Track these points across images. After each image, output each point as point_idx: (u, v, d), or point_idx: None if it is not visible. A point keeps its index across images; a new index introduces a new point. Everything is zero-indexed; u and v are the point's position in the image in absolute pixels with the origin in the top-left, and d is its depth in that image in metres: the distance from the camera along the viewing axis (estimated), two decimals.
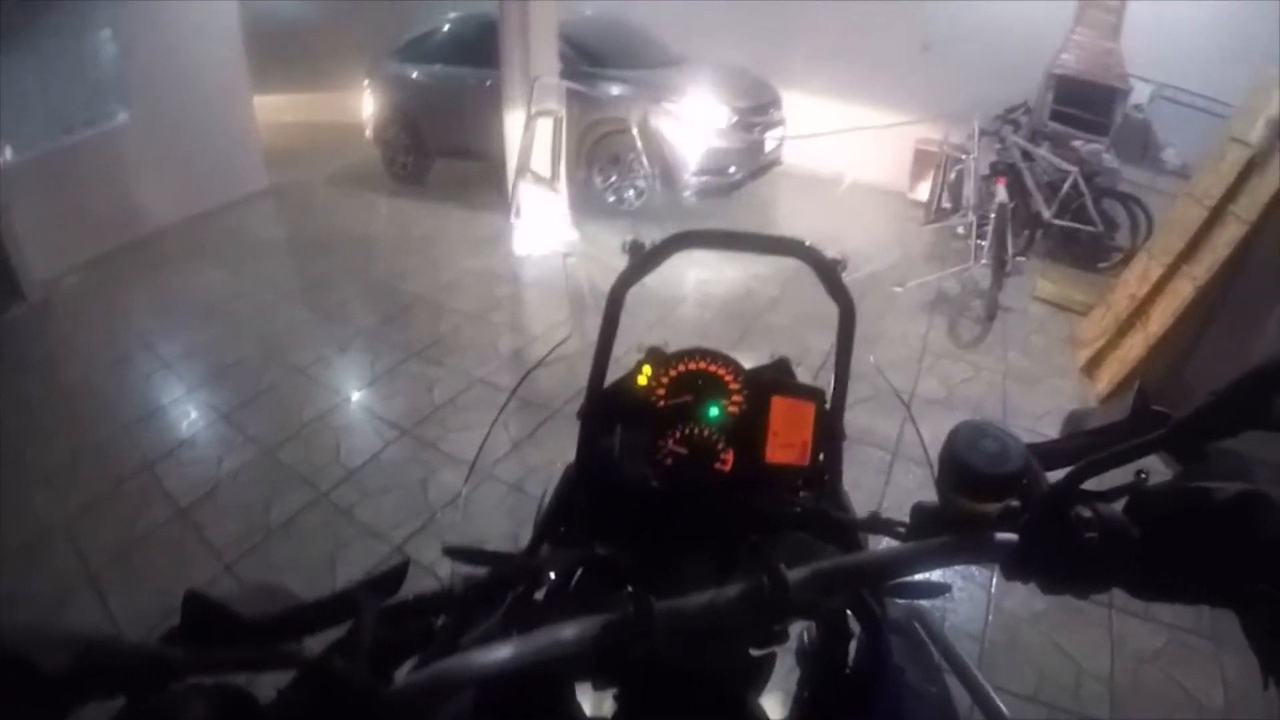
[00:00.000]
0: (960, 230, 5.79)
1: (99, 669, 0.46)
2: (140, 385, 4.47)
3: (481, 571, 0.79)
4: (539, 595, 0.89)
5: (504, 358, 4.65)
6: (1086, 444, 0.66)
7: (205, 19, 7.18)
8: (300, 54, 10.08)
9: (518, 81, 5.85)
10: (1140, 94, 6.66)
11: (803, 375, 1.12)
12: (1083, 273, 6.02)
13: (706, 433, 1.03)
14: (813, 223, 7.15)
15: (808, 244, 1.02)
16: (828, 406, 1.06)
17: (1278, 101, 3.81)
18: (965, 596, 2.88)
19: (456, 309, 5.27)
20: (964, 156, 5.90)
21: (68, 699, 0.45)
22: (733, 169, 6.78)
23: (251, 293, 5.66)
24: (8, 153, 5.58)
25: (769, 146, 7.19)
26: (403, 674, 0.60)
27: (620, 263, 1.04)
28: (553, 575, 0.90)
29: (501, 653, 0.59)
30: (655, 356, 1.07)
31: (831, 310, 1.06)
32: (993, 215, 5.12)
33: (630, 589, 0.72)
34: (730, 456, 1.03)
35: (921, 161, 7.57)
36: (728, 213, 7.01)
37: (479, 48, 6.96)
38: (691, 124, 6.53)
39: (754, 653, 0.88)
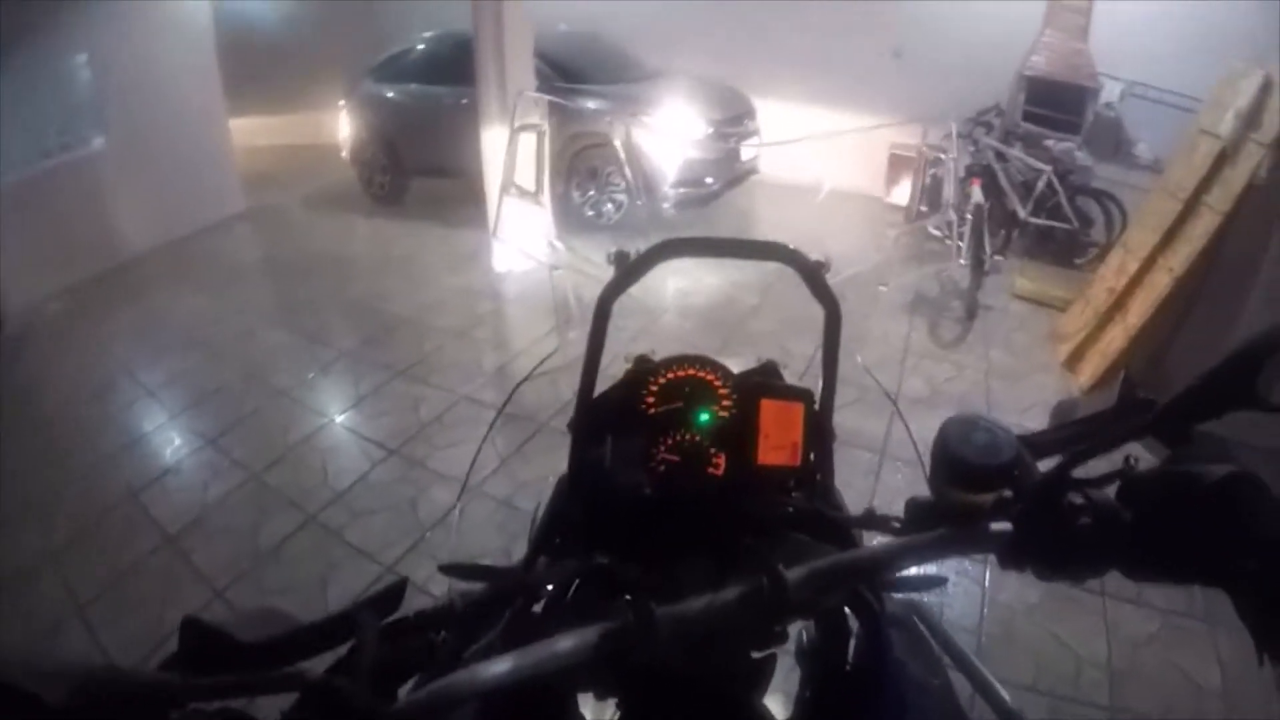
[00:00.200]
0: (937, 231, 5.82)
1: (99, 699, 0.45)
2: (123, 413, 4.43)
3: (479, 587, 0.79)
4: (537, 608, 0.89)
5: (488, 374, 4.65)
6: (1075, 433, 0.68)
7: (180, 42, 7.18)
8: (275, 76, 10.01)
9: (494, 99, 5.84)
10: (1110, 92, 6.75)
11: (787, 380, 1.13)
12: (1060, 269, 6.07)
13: (698, 438, 1.03)
14: (792, 228, 7.11)
15: (791, 248, 1.02)
16: (816, 407, 1.06)
17: (1246, 94, 3.86)
18: (960, 591, 2.89)
19: (439, 327, 5.27)
20: (942, 157, 5.94)
21: None
22: (710, 179, 6.82)
23: (232, 317, 5.62)
24: None
25: (745, 156, 7.23)
26: (405, 692, 0.60)
27: (602, 274, 1.04)
28: (550, 587, 0.90)
29: (504, 666, 0.58)
30: (643, 365, 1.07)
31: (812, 316, 1.07)
32: (969, 216, 5.16)
33: (629, 597, 0.73)
34: (722, 461, 1.03)
35: (896, 166, 7.63)
36: (707, 223, 7.05)
37: (454, 66, 6.95)
38: (668, 136, 6.55)
39: (755, 655, 0.88)
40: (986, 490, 0.65)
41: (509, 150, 5.85)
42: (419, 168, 8.10)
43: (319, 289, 6.09)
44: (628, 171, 6.59)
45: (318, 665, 0.59)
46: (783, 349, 4.43)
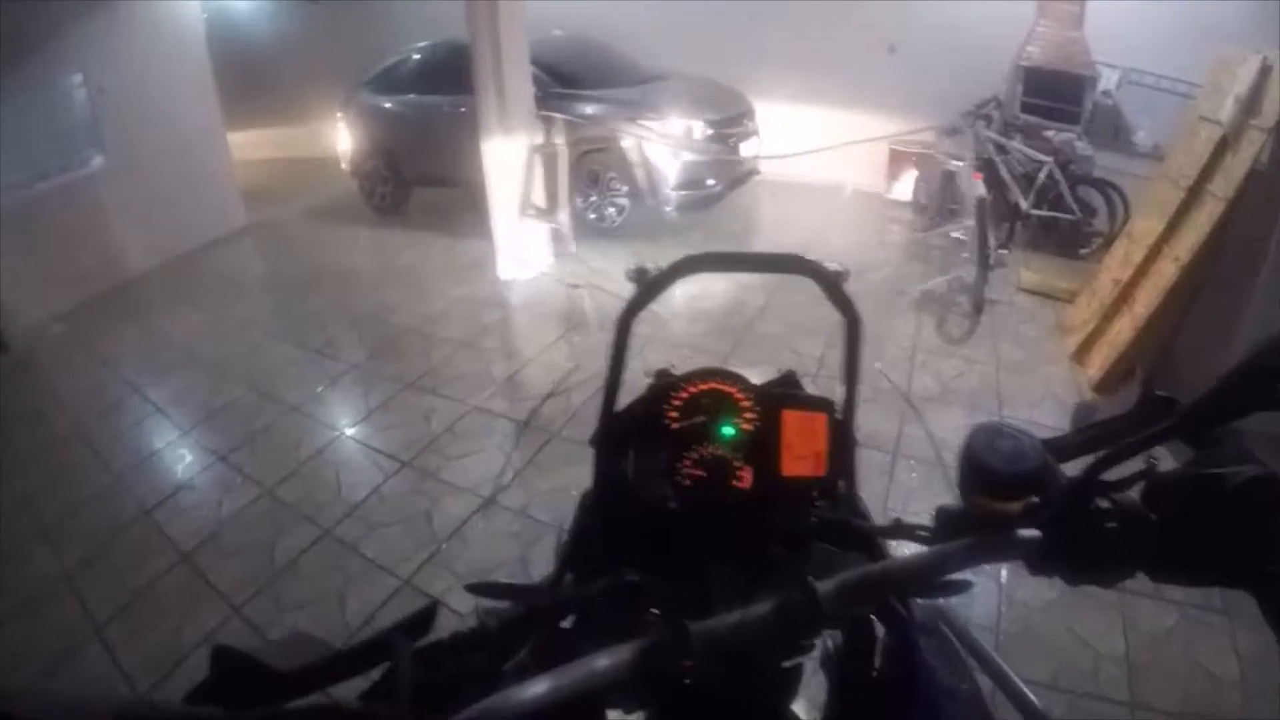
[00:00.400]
0: (962, 236, 5.79)
1: None
2: (132, 432, 4.44)
3: (504, 605, 0.79)
4: (566, 624, 0.89)
5: (498, 383, 4.64)
6: (1098, 435, 0.68)
7: (175, 59, 7.23)
8: (271, 89, 10.08)
9: (494, 107, 5.84)
10: (1108, 80, 6.72)
11: (805, 386, 1.13)
12: (1065, 260, 6.05)
13: (722, 452, 1.02)
14: (795, 228, 7.18)
15: (810, 260, 1.01)
16: (838, 416, 1.06)
17: (1244, 80, 3.85)
18: (977, 590, 2.88)
19: (446, 337, 5.27)
20: (959, 164, 5.91)
21: None
22: (711, 181, 6.80)
23: (238, 332, 5.65)
24: None
25: (746, 157, 7.22)
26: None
27: (613, 287, 1.03)
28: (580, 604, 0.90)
29: (543, 687, 0.58)
30: (664, 379, 1.07)
31: (818, 317, 1.07)
32: (972, 211, 5.15)
33: (660, 613, 0.74)
34: (747, 473, 1.02)
35: (897, 162, 7.61)
36: (710, 225, 7.07)
37: (450, 74, 6.96)
38: (668, 139, 6.54)
39: (783, 664, 0.89)
40: (1014, 498, 0.65)
41: (527, 171, 5.87)
42: (419, 178, 8.11)
43: (324, 302, 6.09)
44: (638, 174, 6.62)
45: (351, 693, 0.59)
46: (792, 350, 4.45)
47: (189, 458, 4.14)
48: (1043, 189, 5.91)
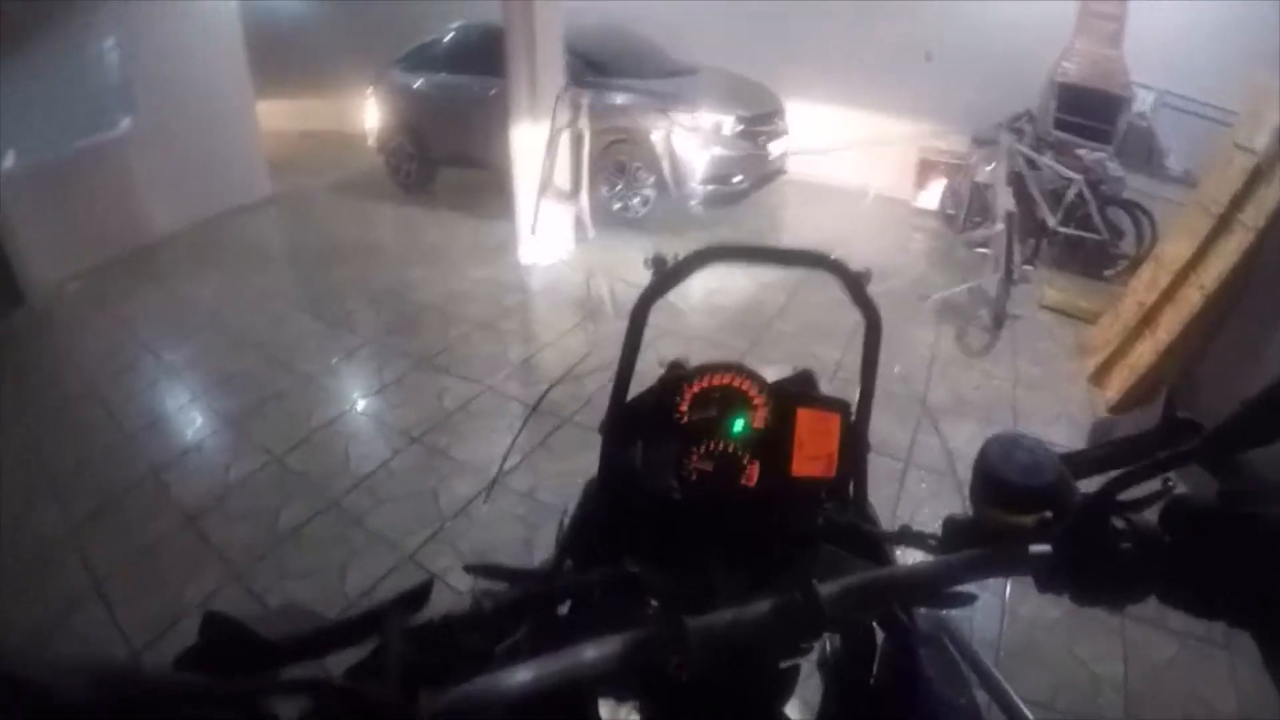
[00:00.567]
0: (986, 250, 5.75)
1: (117, 697, 0.44)
2: (145, 392, 4.47)
3: (503, 587, 0.78)
4: (563, 610, 0.88)
5: (514, 365, 4.64)
6: (1117, 453, 0.67)
7: (208, 26, 7.23)
8: (302, 60, 10.08)
9: (524, 91, 5.83)
10: (1143, 101, 6.67)
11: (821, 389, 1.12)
12: (1089, 281, 6.01)
13: (731, 448, 1.02)
14: (820, 230, 7.14)
15: (834, 257, 1.01)
16: (852, 418, 1.05)
17: None
18: (980, 604, 2.86)
19: (465, 317, 5.27)
20: (988, 168, 5.88)
21: None
22: (738, 178, 6.79)
23: (257, 300, 5.67)
24: (9, 160, 5.59)
25: (774, 155, 7.19)
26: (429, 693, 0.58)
27: (625, 270, 1.02)
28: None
29: (531, 673, 0.58)
30: (677, 370, 1.06)
31: (838, 321, 1.06)
32: (1000, 225, 5.11)
33: (658, 605, 0.73)
34: (756, 471, 1.02)
35: (926, 170, 7.57)
36: (735, 221, 7.05)
37: (483, 56, 6.95)
38: (697, 133, 6.54)
39: (780, 665, 0.88)
40: (1027, 511, 0.64)
41: (548, 151, 5.85)
42: (446, 157, 8.12)
43: (344, 275, 6.11)
44: (665, 165, 6.60)
45: (340, 664, 0.58)
46: (809, 352, 4.42)
47: (200, 421, 4.16)
48: (1071, 207, 5.87)
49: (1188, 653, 2.72)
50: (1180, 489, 0.60)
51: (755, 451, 1.02)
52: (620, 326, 1.03)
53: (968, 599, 0.88)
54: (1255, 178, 3.88)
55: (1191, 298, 4.01)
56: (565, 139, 6.07)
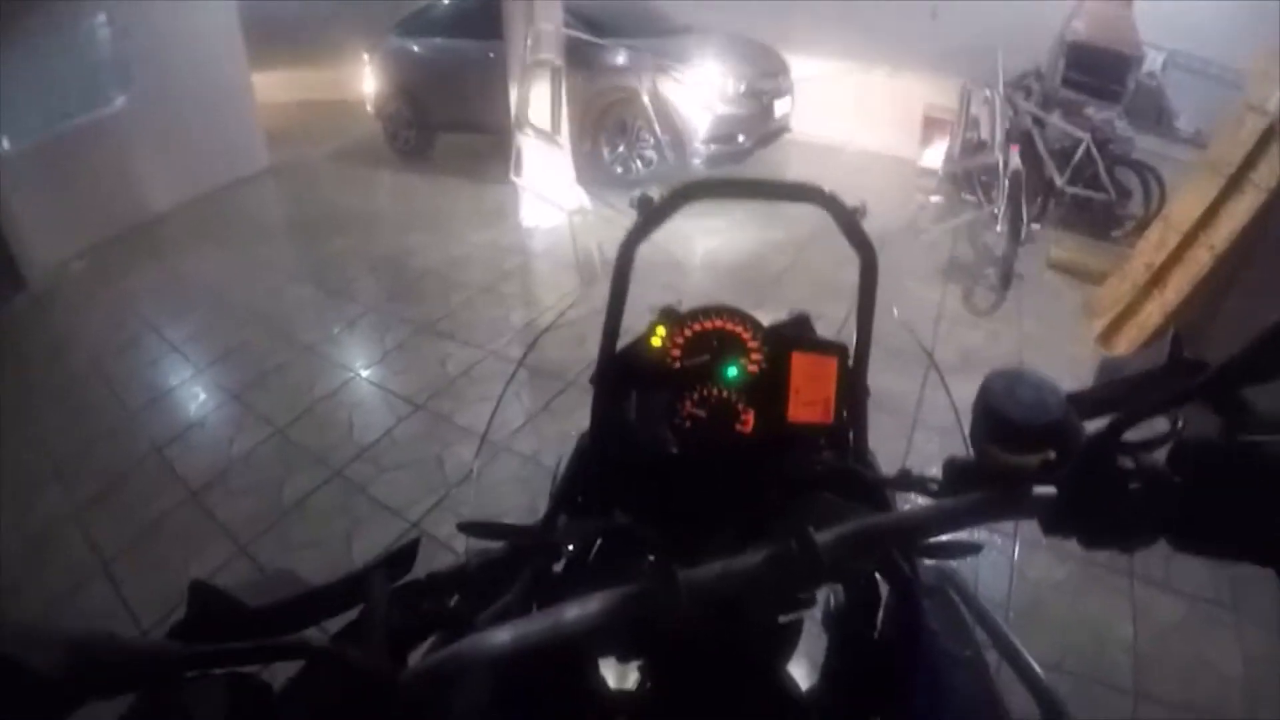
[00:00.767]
0: (971, 197, 5.71)
1: (96, 668, 0.44)
2: (147, 369, 4.45)
3: (498, 545, 0.79)
4: (557, 567, 0.87)
5: (516, 329, 4.61)
6: (1124, 392, 0.64)
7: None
8: (297, 29, 10.00)
9: (523, 52, 5.76)
10: (1153, 61, 6.59)
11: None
12: (1096, 241, 5.95)
13: (725, 393, 1.01)
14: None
15: (826, 190, 0.98)
16: (850, 362, 1.03)
17: None
18: (988, 564, 2.86)
19: (466, 282, 5.25)
20: (986, 93, 5.80)
21: (65, 700, 0.42)
22: (741, 137, 6.75)
23: (257, 273, 5.64)
24: (5, 142, 5.54)
25: (778, 114, 7.13)
26: (419, 655, 0.59)
27: (627, 223, 1.00)
28: (571, 547, 0.88)
29: (519, 632, 0.56)
30: (669, 316, 1.04)
31: (846, 280, 1.03)
32: (1006, 182, 5.07)
33: (652, 558, 0.70)
34: (751, 417, 1.01)
35: (931, 127, 7.47)
36: None
37: (481, 19, 6.84)
38: (699, 92, 6.48)
39: (781, 619, 0.86)
40: (1031, 451, 0.61)
41: (521, 86, 5.76)
42: (445, 123, 8.07)
43: (344, 244, 6.07)
44: (656, 128, 6.53)
45: (330, 629, 0.59)
46: (816, 312, 4.38)
47: (202, 396, 4.15)
48: (1079, 166, 5.80)
49: (1196, 614, 2.71)
50: (1188, 427, 0.58)
51: (750, 397, 1.01)
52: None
53: (972, 549, 0.88)
54: (1267, 138, 3.82)
55: (1201, 258, 3.98)
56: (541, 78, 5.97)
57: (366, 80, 8.31)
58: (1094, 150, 5.74)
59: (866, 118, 7.34)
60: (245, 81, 7.91)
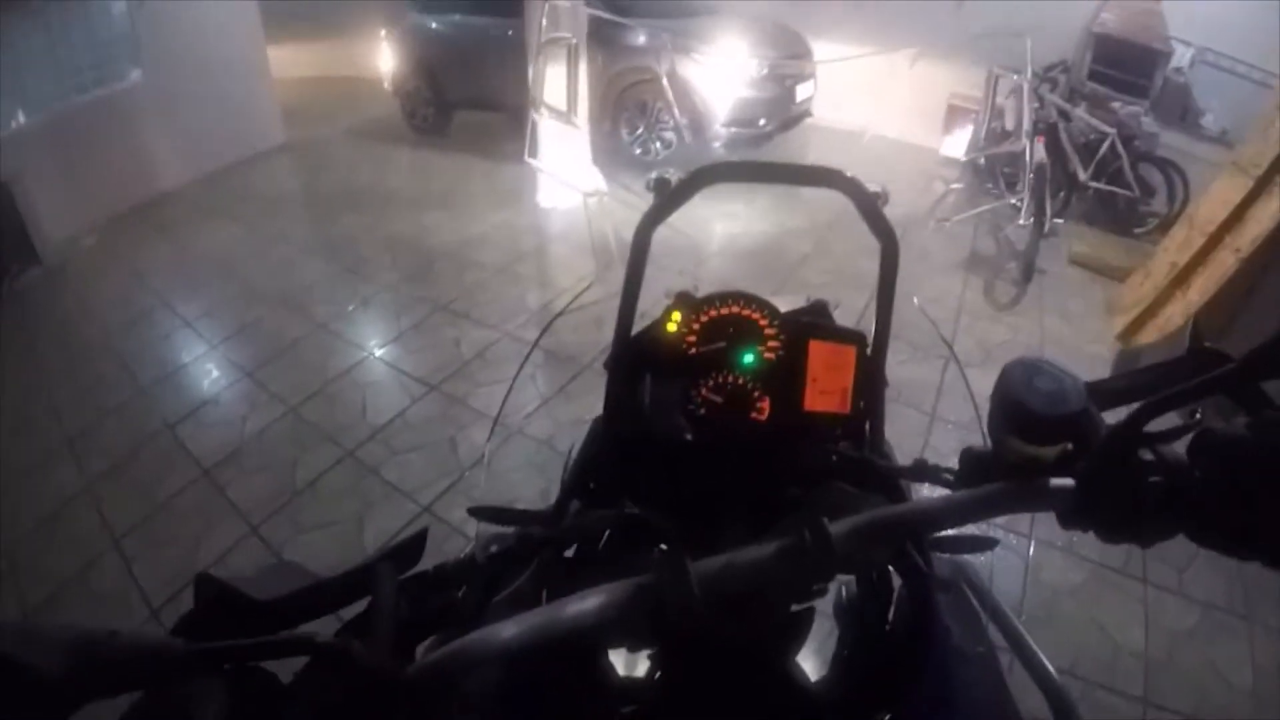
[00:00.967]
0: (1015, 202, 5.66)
1: (98, 667, 0.44)
2: (160, 345, 4.44)
3: (508, 531, 0.78)
4: (568, 553, 0.87)
5: (532, 311, 4.61)
6: (1144, 383, 0.62)
7: None
8: (313, 3, 9.93)
9: (542, 30, 5.70)
10: (1181, 57, 6.49)
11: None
12: (1118, 238, 5.89)
13: (741, 380, 1.00)
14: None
15: (847, 175, 0.96)
16: (869, 351, 1.02)
17: None
18: (1003, 566, 2.86)
19: (482, 262, 5.23)
20: (1014, 78, 5.73)
21: (67, 700, 0.42)
22: (762, 121, 6.69)
23: (271, 249, 5.63)
24: (20, 117, 5.53)
25: (799, 98, 7.06)
26: (426, 648, 0.58)
27: (644, 206, 0.99)
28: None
29: (529, 625, 0.55)
30: (685, 301, 1.03)
31: (867, 269, 1.01)
32: (1031, 175, 5.02)
33: (664, 548, 0.76)
34: (767, 405, 1.01)
35: (954, 116, 7.40)
36: None
37: None
38: (720, 74, 6.42)
39: (794, 608, 0.86)
40: (1050, 442, 0.60)
41: (536, 65, 5.71)
42: (463, 100, 8.02)
43: (360, 222, 6.05)
44: (686, 107, 6.48)
45: (338, 621, 0.59)
46: (836, 301, 4.35)
47: (215, 373, 4.14)
48: (1103, 161, 5.72)
49: (1208, 622, 2.70)
50: (1206, 419, 0.58)
51: (766, 385, 1.01)
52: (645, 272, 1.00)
53: (987, 544, 0.91)
54: None
55: (1226, 261, 3.91)
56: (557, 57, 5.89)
57: (384, 57, 8.26)
58: (1119, 145, 5.66)
59: (889, 104, 7.26)
60: (261, 56, 7.86)
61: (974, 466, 0.67)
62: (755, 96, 6.55)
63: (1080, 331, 4.62)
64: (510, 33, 6.65)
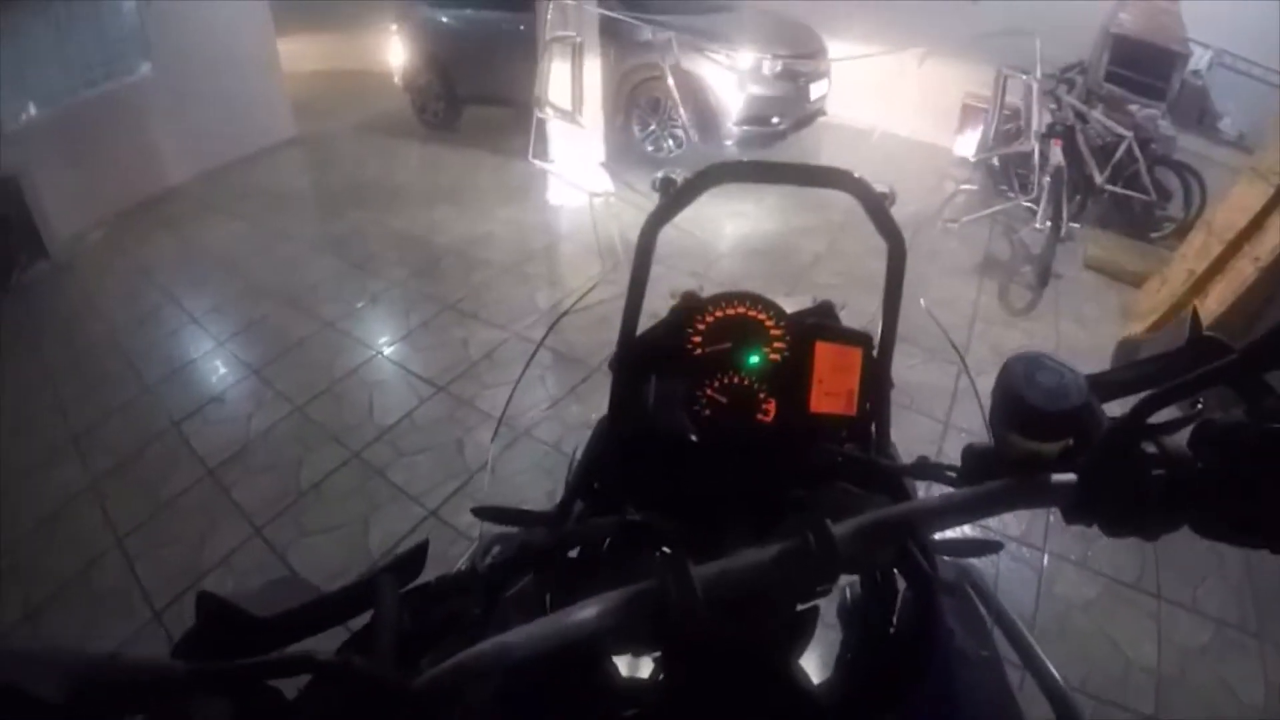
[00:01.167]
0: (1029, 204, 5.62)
1: (99, 691, 0.43)
2: (166, 342, 4.43)
3: (511, 531, 0.85)
4: (572, 553, 0.87)
5: (541, 311, 4.57)
6: (1144, 375, 0.63)
7: None
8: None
9: (553, 25, 5.68)
10: (1199, 59, 6.42)
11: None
12: (1133, 242, 5.83)
13: (747, 381, 1.00)
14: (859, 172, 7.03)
15: (854, 175, 0.94)
16: (875, 352, 1.02)
17: None
18: (1016, 580, 2.83)
19: (491, 260, 5.21)
20: (1023, 77, 5.68)
21: None
22: (776, 119, 6.63)
23: (279, 245, 5.61)
24: (32, 109, 5.53)
25: (814, 96, 7.00)
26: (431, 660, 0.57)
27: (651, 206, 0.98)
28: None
29: (533, 635, 0.55)
30: (690, 301, 1.03)
31: (879, 271, 0.99)
32: (1048, 179, 4.97)
33: (667, 551, 0.77)
34: (772, 406, 1.01)
35: (968, 116, 7.34)
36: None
37: None
38: (735, 72, 6.37)
39: (798, 607, 0.87)
40: (1052, 437, 0.61)
41: (541, 63, 5.69)
42: (473, 95, 7.98)
43: (369, 217, 6.03)
44: (699, 105, 6.46)
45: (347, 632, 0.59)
46: (847, 304, 4.33)
47: (221, 370, 4.12)
48: (1119, 164, 5.66)
49: (1221, 639, 2.68)
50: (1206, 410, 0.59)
51: (772, 386, 1.01)
52: (651, 273, 0.98)
53: (993, 547, 0.89)
54: None
55: (1245, 269, 3.86)
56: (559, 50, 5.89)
57: (394, 51, 8.22)
58: (1136, 149, 5.60)
59: (902, 104, 7.21)
60: (271, 50, 7.84)
61: (976, 463, 0.67)
62: (768, 95, 6.50)
63: (1096, 337, 4.56)
64: (522, 28, 6.63)
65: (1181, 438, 0.57)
